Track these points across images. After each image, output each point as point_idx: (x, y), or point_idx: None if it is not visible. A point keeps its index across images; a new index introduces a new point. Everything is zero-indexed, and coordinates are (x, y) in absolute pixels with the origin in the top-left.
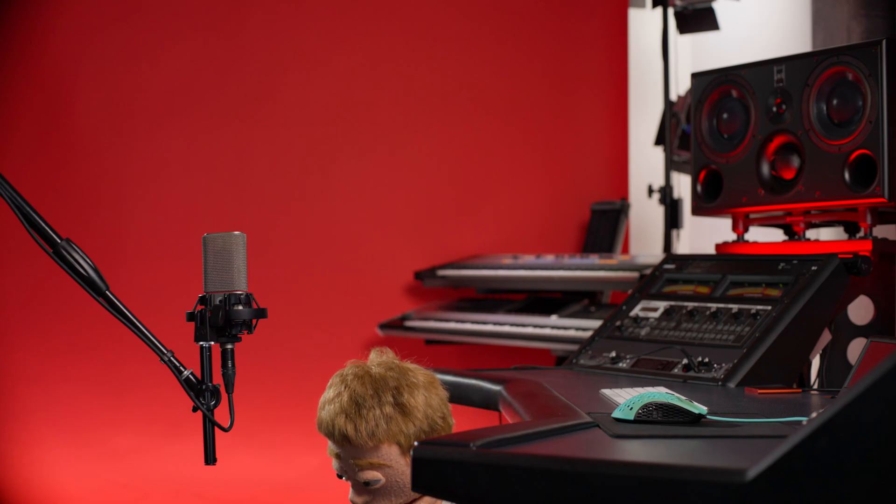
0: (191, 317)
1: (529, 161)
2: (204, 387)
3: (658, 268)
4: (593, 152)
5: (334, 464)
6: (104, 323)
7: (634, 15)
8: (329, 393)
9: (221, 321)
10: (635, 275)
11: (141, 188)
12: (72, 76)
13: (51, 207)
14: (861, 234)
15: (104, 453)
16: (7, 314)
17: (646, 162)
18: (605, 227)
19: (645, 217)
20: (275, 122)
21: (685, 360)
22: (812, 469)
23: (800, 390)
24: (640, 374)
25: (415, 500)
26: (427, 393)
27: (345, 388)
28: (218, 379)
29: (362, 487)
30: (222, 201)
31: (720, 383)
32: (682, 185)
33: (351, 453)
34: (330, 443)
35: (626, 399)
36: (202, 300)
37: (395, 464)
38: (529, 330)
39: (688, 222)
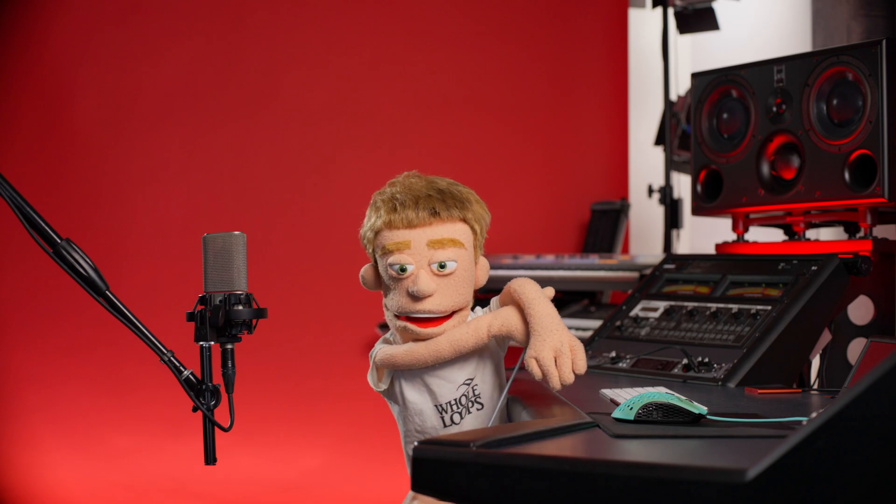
0: (191, 317)
1: (529, 161)
2: (204, 387)
3: (658, 268)
4: (593, 152)
5: (396, 258)
6: (104, 323)
7: (634, 15)
8: (395, 188)
9: (221, 321)
10: (635, 275)
11: (141, 188)
12: (72, 76)
13: (51, 207)
14: (861, 234)
15: (104, 453)
16: (7, 314)
17: (646, 162)
18: (605, 227)
19: (645, 217)
20: (275, 122)
21: (685, 360)
22: (812, 469)
23: (800, 390)
24: (640, 374)
25: (461, 308)
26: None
27: (416, 178)
28: (218, 379)
29: (433, 274)
30: (222, 201)
31: (720, 383)
32: (682, 185)
33: (430, 233)
34: (398, 234)
35: (626, 399)
36: (202, 300)
37: (469, 247)
38: None
39: (688, 222)
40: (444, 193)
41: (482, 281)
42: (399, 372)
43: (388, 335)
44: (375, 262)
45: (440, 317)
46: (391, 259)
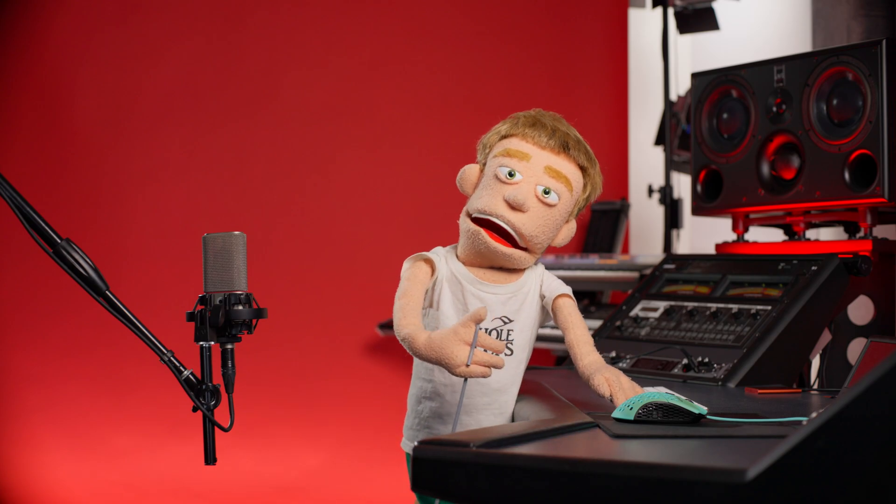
0: (191, 317)
1: None
2: (204, 387)
3: (658, 268)
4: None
5: (511, 162)
6: (104, 323)
7: (634, 15)
8: (539, 113)
9: (221, 321)
10: (635, 275)
11: (141, 188)
12: (72, 76)
13: (51, 207)
14: (861, 234)
15: (104, 453)
16: (7, 314)
17: (646, 162)
18: (605, 227)
19: (645, 217)
20: (275, 122)
21: (685, 360)
22: (812, 469)
23: (800, 390)
24: (640, 374)
25: (533, 251)
26: None
27: (558, 119)
28: (218, 379)
29: (533, 196)
30: (222, 201)
31: (720, 383)
32: (682, 185)
33: (552, 161)
34: (524, 146)
35: (627, 399)
36: (202, 300)
37: (574, 195)
38: None
39: (688, 222)
40: (579, 142)
41: (560, 241)
42: (446, 279)
43: (451, 246)
44: (483, 166)
45: (515, 241)
46: (505, 161)
